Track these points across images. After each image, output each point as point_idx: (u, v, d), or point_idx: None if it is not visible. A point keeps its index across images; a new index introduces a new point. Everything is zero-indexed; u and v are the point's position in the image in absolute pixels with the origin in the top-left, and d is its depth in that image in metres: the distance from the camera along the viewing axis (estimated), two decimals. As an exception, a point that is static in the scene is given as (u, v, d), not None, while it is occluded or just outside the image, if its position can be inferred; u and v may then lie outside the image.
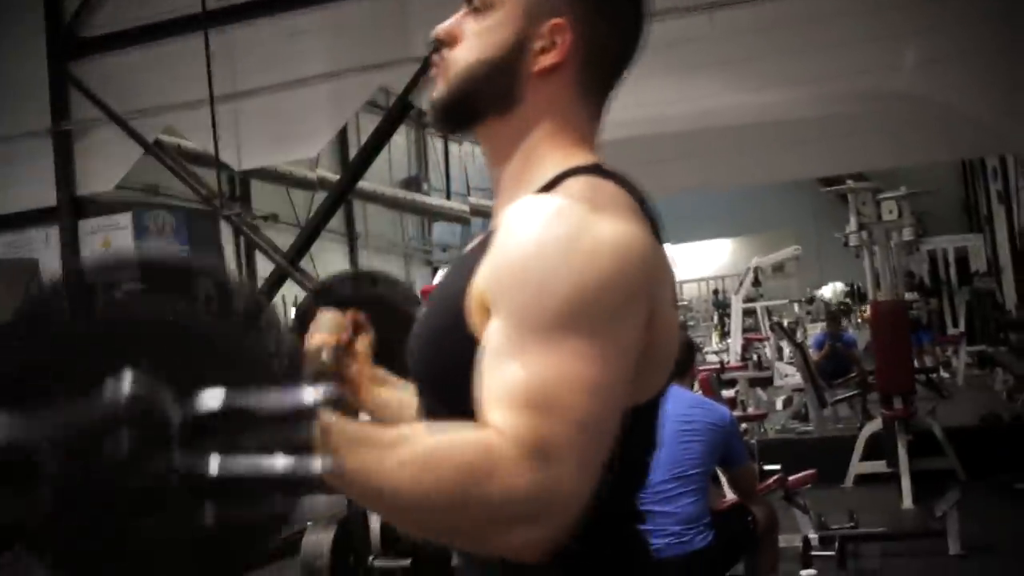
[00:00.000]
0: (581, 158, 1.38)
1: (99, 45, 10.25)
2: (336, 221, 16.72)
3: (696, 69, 8.21)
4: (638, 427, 1.29)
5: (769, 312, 15.55)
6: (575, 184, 1.30)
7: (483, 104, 1.42)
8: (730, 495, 4.98)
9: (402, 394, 1.72)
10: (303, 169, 15.57)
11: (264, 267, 11.79)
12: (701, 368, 9.53)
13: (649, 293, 1.24)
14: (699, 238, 20.61)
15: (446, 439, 1.13)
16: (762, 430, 10.09)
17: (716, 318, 18.85)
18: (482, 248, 1.30)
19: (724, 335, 16.52)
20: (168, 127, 10.33)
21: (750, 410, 10.37)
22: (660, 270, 1.28)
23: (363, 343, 1.80)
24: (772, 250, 15.87)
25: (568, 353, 1.15)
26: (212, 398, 0.99)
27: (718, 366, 11.19)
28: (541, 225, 1.21)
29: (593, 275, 1.18)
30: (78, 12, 10.30)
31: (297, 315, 1.89)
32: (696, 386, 6.79)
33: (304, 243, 10.29)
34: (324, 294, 1.93)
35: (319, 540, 5.68)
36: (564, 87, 1.41)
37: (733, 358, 13.37)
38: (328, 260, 17.56)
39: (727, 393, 9.63)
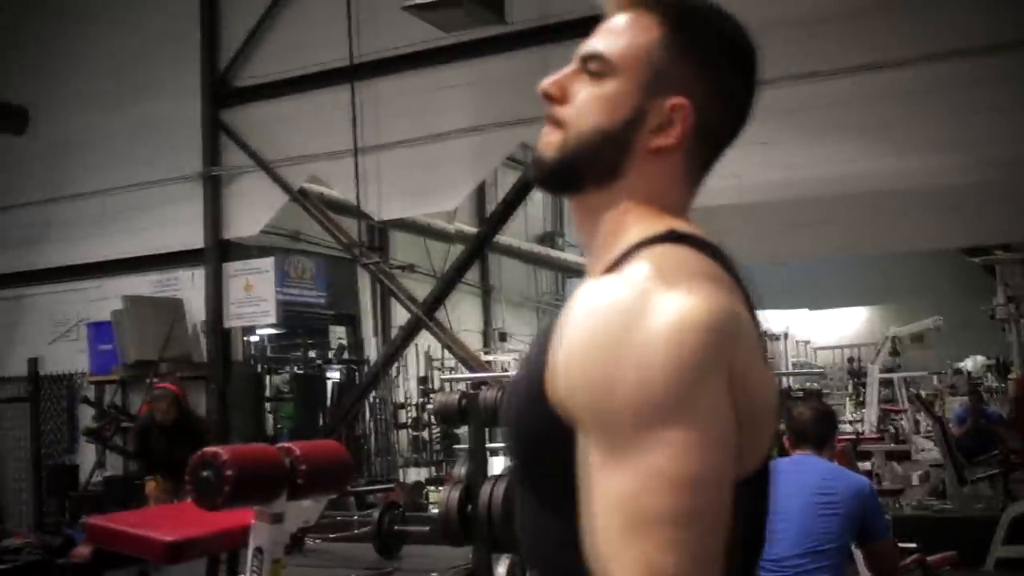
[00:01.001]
0: (659, 226, 1.32)
1: (251, 95, 10.61)
2: (472, 273, 16.86)
3: (835, 133, 8.10)
4: (748, 501, 1.23)
5: (907, 383, 15.12)
6: (650, 255, 1.24)
7: (588, 173, 1.37)
8: (865, 572, 4.81)
9: None
10: (441, 221, 15.77)
11: (400, 316, 11.95)
12: (840, 438, 9.33)
13: (725, 359, 1.16)
14: (835, 305, 20.21)
15: None
16: (898, 506, 9.78)
17: (851, 387, 18.41)
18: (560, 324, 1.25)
19: (859, 405, 16.09)
20: (312, 176, 10.59)
21: (886, 484, 10.07)
22: (746, 338, 1.20)
23: None
24: (910, 319, 15.46)
25: (652, 454, 1.10)
26: None
27: (853, 436, 10.91)
28: (600, 317, 1.16)
29: (662, 363, 1.11)
30: (232, 62, 10.69)
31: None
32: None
33: (440, 293, 10.42)
34: None
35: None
36: (671, 167, 1.36)
37: (868, 429, 13.01)
38: (463, 311, 17.70)
39: (863, 465, 9.36)
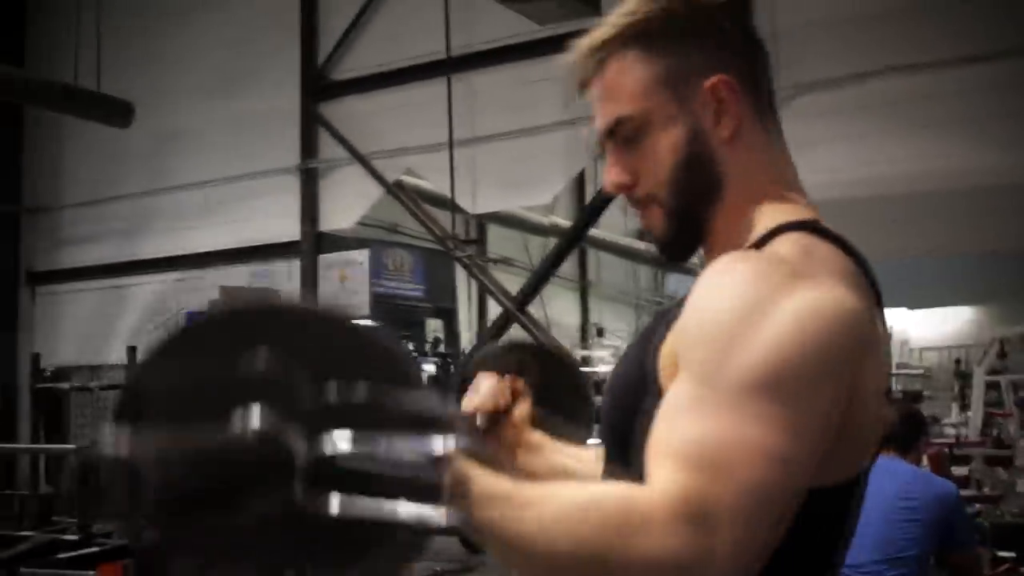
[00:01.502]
0: (795, 211, 1.29)
1: (347, 88, 10.71)
2: (569, 267, 16.81)
3: (935, 127, 7.87)
4: (826, 512, 1.20)
5: (1015, 387, 14.67)
6: (786, 243, 1.22)
7: (700, 209, 1.33)
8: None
9: (565, 460, 1.67)
10: (538, 214, 15.73)
11: (496, 310, 11.96)
12: (936, 441, 9.07)
13: (853, 367, 1.14)
14: (936, 304, 19.70)
15: (592, 494, 1.08)
16: (999, 512, 9.48)
17: (956, 389, 17.94)
18: (680, 305, 1.23)
19: (964, 408, 15.68)
20: (408, 168, 10.64)
21: (985, 490, 9.77)
22: (869, 340, 1.18)
23: (521, 410, 1.75)
24: (1020, 321, 15.01)
25: (750, 417, 1.06)
26: (341, 440, 0.99)
27: (953, 440, 10.62)
28: (740, 282, 1.14)
29: (790, 340, 1.09)
30: (330, 56, 10.79)
31: (457, 378, 1.87)
32: (925, 461, 6.45)
33: (533, 287, 10.38)
34: (487, 360, 1.90)
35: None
36: (754, 139, 1.33)
37: (972, 433, 12.65)
38: (559, 306, 17.63)
39: (959, 470, 9.10)
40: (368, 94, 10.57)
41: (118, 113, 10.62)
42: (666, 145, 1.31)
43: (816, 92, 8.34)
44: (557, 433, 1.73)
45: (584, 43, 1.36)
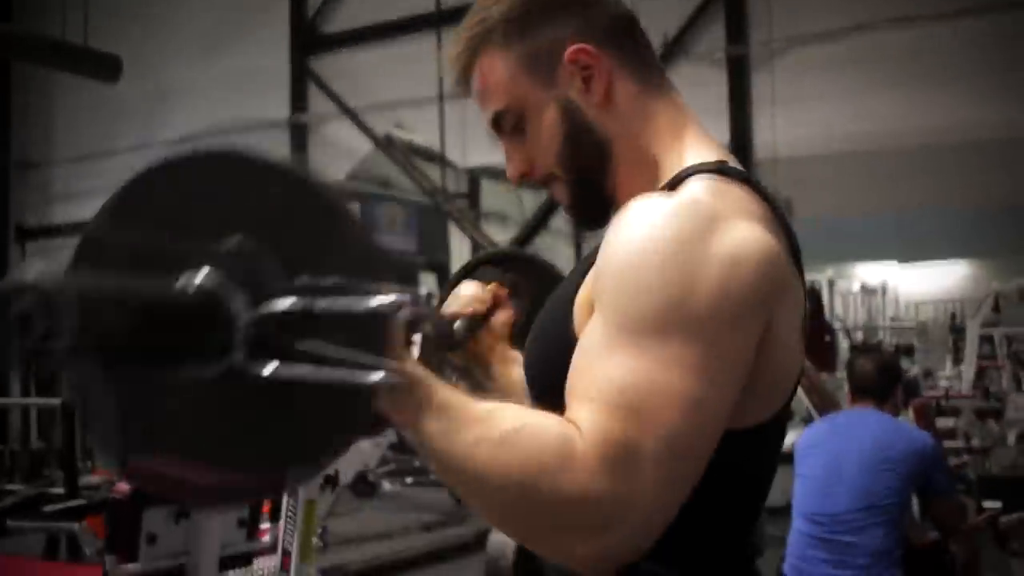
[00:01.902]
0: (703, 152, 1.27)
1: (337, 41, 10.66)
2: (563, 221, 16.75)
3: (929, 81, 7.82)
4: (740, 455, 1.18)
5: (1009, 340, 14.68)
6: (697, 184, 1.19)
7: (594, 173, 1.33)
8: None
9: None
10: (532, 168, 15.66)
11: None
12: (929, 395, 9.09)
13: (767, 308, 1.12)
14: (934, 258, 19.67)
15: (525, 424, 1.07)
16: (987, 465, 9.51)
17: (951, 343, 17.96)
18: (596, 252, 1.22)
19: (957, 361, 15.71)
20: (398, 123, 10.60)
21: (974, 442, 9.80)
22: (785, 285, 1.16)
23: (501, 320, 1.72)
24: (1016, 275, 14.98)
25: (666, 360, 1.06)
26: (282, 303, 0.99)
27: (941, 394, 10.64)
28: (653, 224, 1.12)
29: (703, 282, 1.08)
30: (319, 9, 10.72)
31: (448, 285, 1.85)
32: (911, 413, 6.46)
33: (525, 239, 10.37)
34: (477, 268, 1.88)
35: (504, 539, 5.67)
36: (631, 91, 1.32)
37: (965, 386, 12.67)
38: (555, 258, 17.54)
39: (945, 422, 9.12)
40: (358, 48, 10.52)
41: (106, 68, 10.55)
42: (546, 127, 1.32)
43: (809, 45, 8.30)
44: None
45: (450, 53, 1.36)
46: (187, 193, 1.08)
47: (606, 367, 1.08)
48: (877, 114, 8.05)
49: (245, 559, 3.80)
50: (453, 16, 9.73)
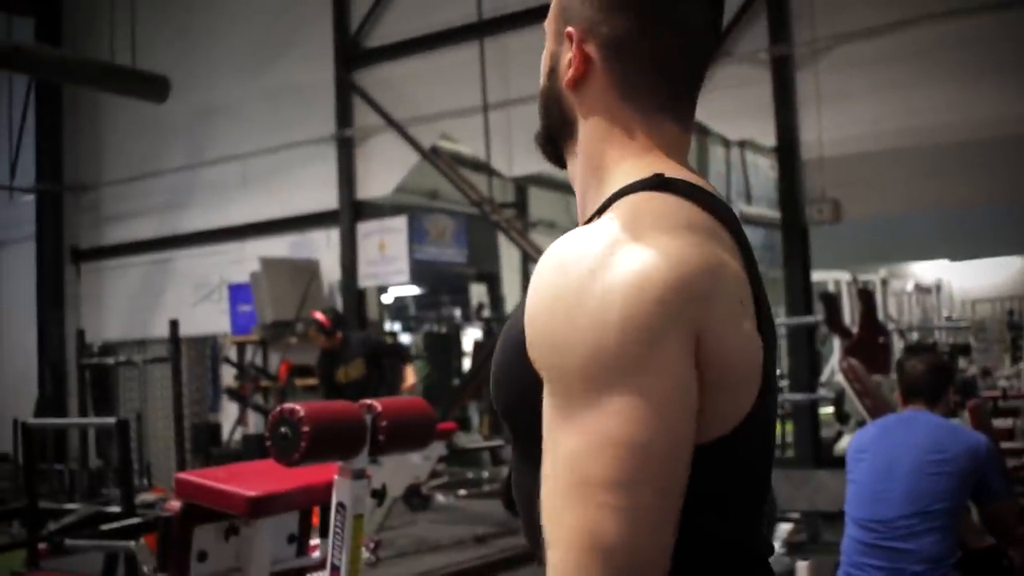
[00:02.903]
0: (642, 169, 1.26)
1: (381, 55, 10.71)
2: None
3: (980, 74, 7.70)
4: (723, 461, 1.17)
5: (1069, 337, 14.45)
6: (620, 207, 1.19)
7: (554, 133, 1.40)
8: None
9: None
10: (578, 176, 15.62)
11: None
12: (986, 395, 8.93)
13: (688, 319, 1.10)
14: (987, 254, 19.34)
15: None
16: (1048, 465, 9.34)
17: (1009, 340, 17.67)
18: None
19: (1016, 359, 15.45)
20: (444, 134, 10.63)
21: (1033, 442, 9.62)
22: (711, 293, 1.12)
23: None
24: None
25: (596, 417, 1.07)
26: None
27: (999, 393, 10.47)
28: (557, 275, 1.12)
29: (607, 322, 1.07)
30: (362, 24, 10.79)
31: None
32: (966, 414, 6.34)
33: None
34: None
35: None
36: (600, 93, 1.32)
37: (1024, 385, 12.48)
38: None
39: (1002, 423, 8.97)
40: (401, 60, 10.57)
41: (155, 89, 10.69)
42: (544, 66, 1.41)
43: (853, 42, 8.21)
44: None
45: None
46: None
47: (552, 452, 1.10)
48: (924, 110, 7.95)
49: (296, 575, 3.82)
50: (494, 26, 9.77)
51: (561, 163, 1.42)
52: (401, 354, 8.98)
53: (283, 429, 3.09)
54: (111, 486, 9.43)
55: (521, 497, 1.34)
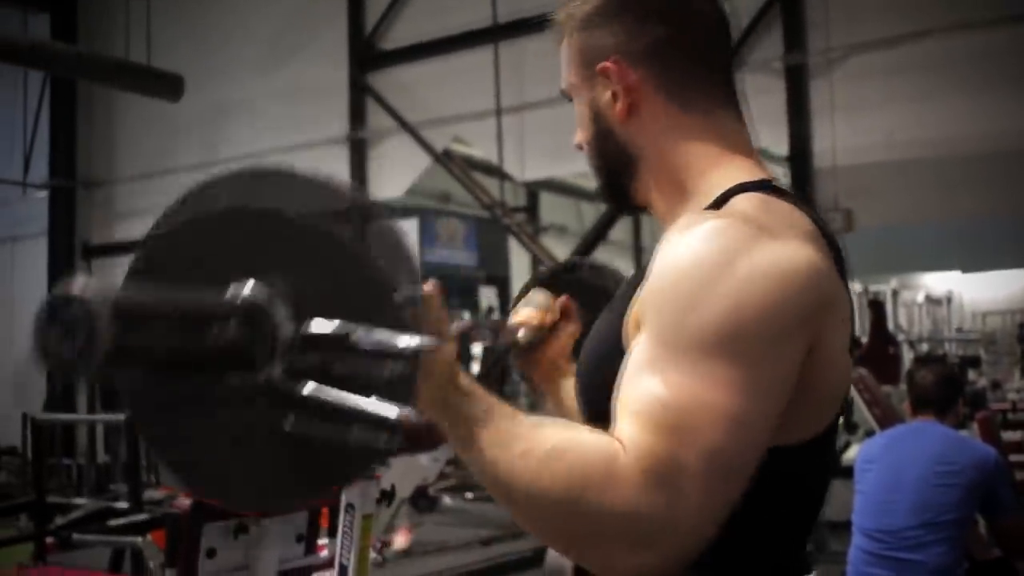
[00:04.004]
0: (746, 172, 1.28)
1: (395, 57, 10.73)
2: (623, 233, 16.74)
3: (992, 87, 7.70)
4: (788, 471, 1.19)
5: (1079, 351, 14.41)
6: (743, 202, 1.21)
7: (619, 178, 1.39)
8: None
9: None
10: (590, 181, 15.63)
11: (546, 277, 11.94)
12: (996, 408, 8.92)
13: (814, 324, 1.13)
14: (998, 266, 19.28)
15: (571, 439, 1.09)
16: (1055, 479, 9.32)
17: (1020, 353, 17.62)
18: (645, 269, 1.23)
19: (1027, 372, 15.42)
20: (456, 137, 10.64)
21: (1042, 456, 9.60)
22: (831, 301, 1.16)
23: (566, 332, 1.73)
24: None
25: (711, 378, 1.07)
26: (323, 324, 1.02)
27: (1008, 406, 10.45)
28: (699, 242, 1.13)
29: (749, 299, 1.09)
30: (377, 26, 10.81)
31: (518, 295, 1.85)
32: (975, 427, 6.34)
33: (582, 253, 10.34)
34: (551, 277, 1.89)
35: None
36: (658, 112, 1.33)
37: (1034, 398, 12.46)
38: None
39: (1012, 435, 8.95)
40: (416, 63, 10.58)
41: (169, 86, 10.72)
42: (584, 119, 1.39)
43: (868, 52, 8.21)
44: None
45: (554, 20, 1.43)
46: (228, 232, 1.13)
47: (652, 384, 1.09)
48: (937, 121, 7.96)
49: (303, 574, 3.82)
50: (510, 30, 9.78)
51: (632, 209, 1.43)
52: None
53: (295, 428, 3.10)
54: (118, 482, 9.45)
55: None
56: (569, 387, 1.67)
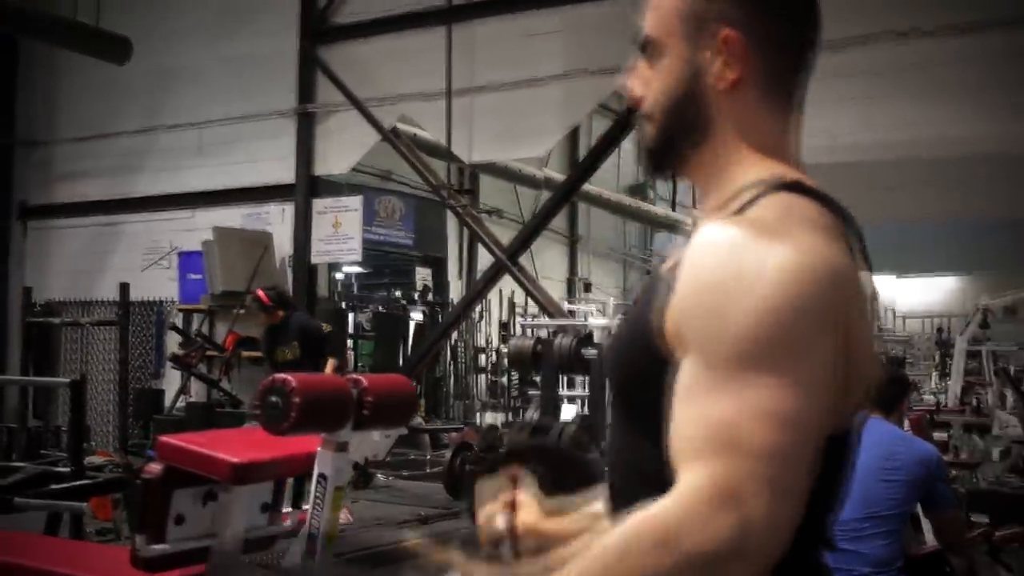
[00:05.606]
0: (778, 172, 1.33)
1: (347, 32, 10.68)
2: (560, 222, 16.84)
3: (935, 94, 7.87)
4: (832, 456, 1.25)
5: (995, 357, 14.80)
6: (768, 203, 1.26)
7: (681, 140, 1.40)
8: (932, 542, 4.76)
9: (582, 519, 1.66)
10: (531, 167, 15.71)
11: (485, 260, 12.04)
12: (916, 408, 9.17)
13: (842, 317, 1.19)
14: (925, 271, 19.75)
15: (626, 528, 1.17)
16: (974, 479, 9.61)
17: (937, 357, 18.08)
18: (676, 269, 1.28)
19: (944, 376, 15.82)
20: (404, 116, 10.64)
21: (963, 457, 9.91)
22: (855, 293, 1.23)
23: (526, 493, 1.73)
24: (1005, 290, 15.09)
25: (754, 388, 1.13)
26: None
27: (933, 407, 10.75)
28: (723, 255, 1.19)
29: (777, 305, 1.14)
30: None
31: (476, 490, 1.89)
32: (906, 425, 6.54)
33: (524, 240, 10.44)
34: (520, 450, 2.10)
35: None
36: (752, 98, 1.37)
37: (951, 401, 12.80)
38: (548, 259, 17.70)
39: (938, 436, 9.23)
40: (368, 39, 10.54)
41: (116, 49, 10.60)
42: (672, 74, 1.39)
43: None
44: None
45: None
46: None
47: (698, 410, 1.16)
48: (879, 125, 8.11)
49: (268, 543, 3.88)
50: (463, 11, 9.81)
51: (669, 171, 1.45)
52: (327, 344, 8.96)
53: (273, 398, 3.16)
54: (49, 447, 9.35)
55: (621, 468, 1.41)
56: (565, 523, 1.68)
